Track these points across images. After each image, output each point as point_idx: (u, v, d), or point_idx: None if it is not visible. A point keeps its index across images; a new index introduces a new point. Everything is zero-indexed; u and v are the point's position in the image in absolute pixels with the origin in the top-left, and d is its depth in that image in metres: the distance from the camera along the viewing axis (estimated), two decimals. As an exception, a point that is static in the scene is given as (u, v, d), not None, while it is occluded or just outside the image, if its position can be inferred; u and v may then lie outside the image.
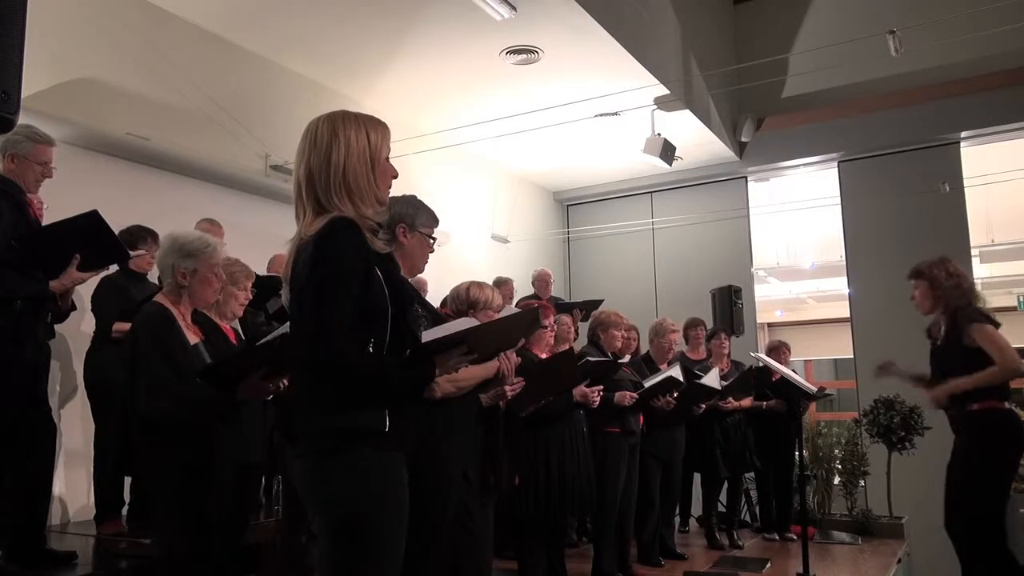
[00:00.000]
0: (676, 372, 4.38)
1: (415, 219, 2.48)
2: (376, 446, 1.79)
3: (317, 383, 1.79)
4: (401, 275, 2.00)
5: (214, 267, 2.74)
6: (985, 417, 3.55)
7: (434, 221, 2.54)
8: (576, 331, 5.42)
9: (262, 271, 4.08)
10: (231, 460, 2.64)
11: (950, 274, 3.68)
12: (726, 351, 5.43)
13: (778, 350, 5.63)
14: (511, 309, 2.47)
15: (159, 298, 2.70)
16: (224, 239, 3.80)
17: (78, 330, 4.31)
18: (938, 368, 3.71)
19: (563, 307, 6.19)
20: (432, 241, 2.51)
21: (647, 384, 4.31)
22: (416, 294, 2.48)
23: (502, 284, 6.22)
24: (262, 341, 2.49)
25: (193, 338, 2.66)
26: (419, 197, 2.57)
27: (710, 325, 5.90)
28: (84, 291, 3.80)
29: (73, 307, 3.34)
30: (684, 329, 5.45)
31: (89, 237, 3.09)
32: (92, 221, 3.05)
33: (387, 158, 1.98)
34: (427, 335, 1.92)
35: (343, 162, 1.87)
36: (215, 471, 2.54)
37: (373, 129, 1.95)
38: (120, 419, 2.61)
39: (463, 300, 2.89)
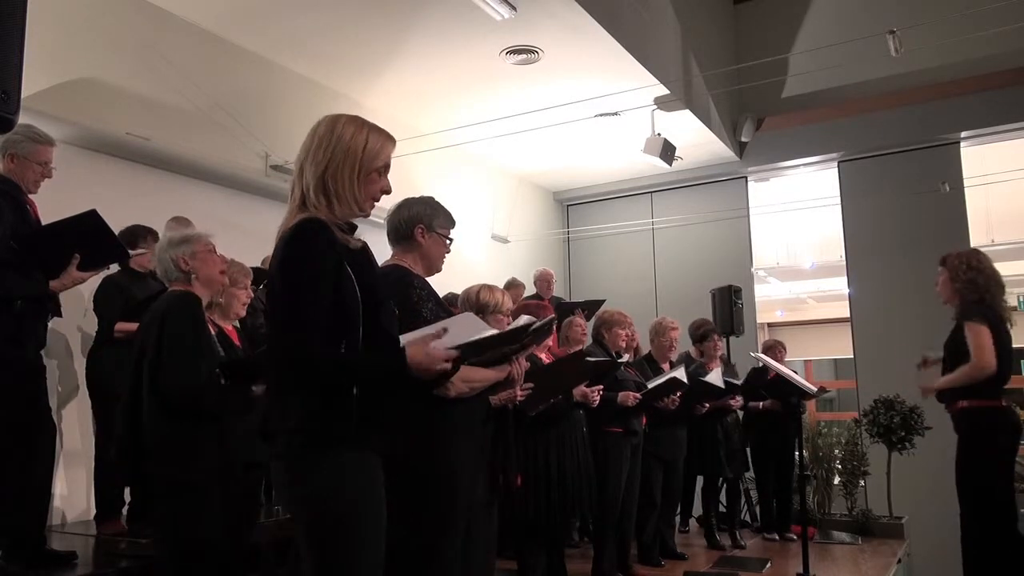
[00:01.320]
0: (680, 373, 4.38)
1: (432, 220, 2.52)
2: (349, 446, 1.78)
3: (296, 384, 1.79)
4: (375, 273, 1.97)
5: (209, 245, 2.78)
6: (975, 415, 3.64)
7: (451, 222, 2.58)
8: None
9: (262, 271, 4.08)
10: (237, 459, 2.64)
11: (970, 267, 3.75)
12: (719, 352, 5.43)
13: (773, 349, 5.63)
14: (524, 319, 2.46)
15: (178, 287, 2.71)
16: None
17: (78, 330, 4.31)
18: (947, 357, 3.80)
19: (565, 307, 6.18)
20: (449, 242, 2.55)
21: (650, 385, 4.31)
22: (420, 291, 2.47)
23: (512, 288, 6.20)
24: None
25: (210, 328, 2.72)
26: (421, 198, 2.59)
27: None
28: (86, 291, 3.81)
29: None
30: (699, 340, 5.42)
31: (88, 237, 3.09)
32: (91, 221, 3.06)
33: (380, 172, 1.91)
34: (420, 332, 1.92)
35: (327, 160, 1.85)
36: (227, 469, 2.54)
37: (375, 136, 1.90)
38: (127, 418, 2.58)
39: (473, 303, 2.90)
